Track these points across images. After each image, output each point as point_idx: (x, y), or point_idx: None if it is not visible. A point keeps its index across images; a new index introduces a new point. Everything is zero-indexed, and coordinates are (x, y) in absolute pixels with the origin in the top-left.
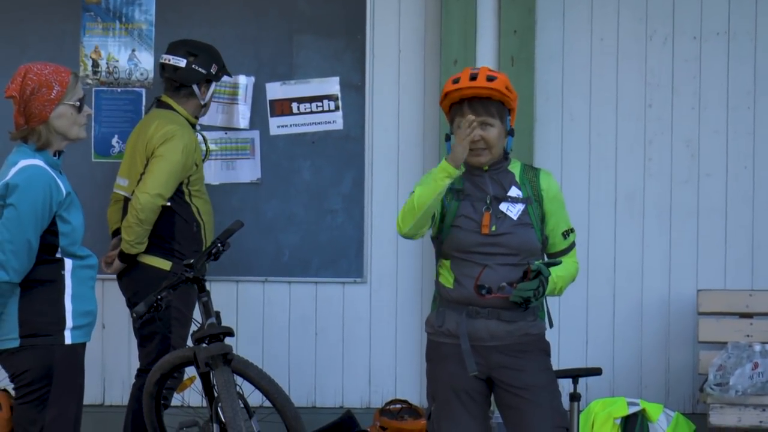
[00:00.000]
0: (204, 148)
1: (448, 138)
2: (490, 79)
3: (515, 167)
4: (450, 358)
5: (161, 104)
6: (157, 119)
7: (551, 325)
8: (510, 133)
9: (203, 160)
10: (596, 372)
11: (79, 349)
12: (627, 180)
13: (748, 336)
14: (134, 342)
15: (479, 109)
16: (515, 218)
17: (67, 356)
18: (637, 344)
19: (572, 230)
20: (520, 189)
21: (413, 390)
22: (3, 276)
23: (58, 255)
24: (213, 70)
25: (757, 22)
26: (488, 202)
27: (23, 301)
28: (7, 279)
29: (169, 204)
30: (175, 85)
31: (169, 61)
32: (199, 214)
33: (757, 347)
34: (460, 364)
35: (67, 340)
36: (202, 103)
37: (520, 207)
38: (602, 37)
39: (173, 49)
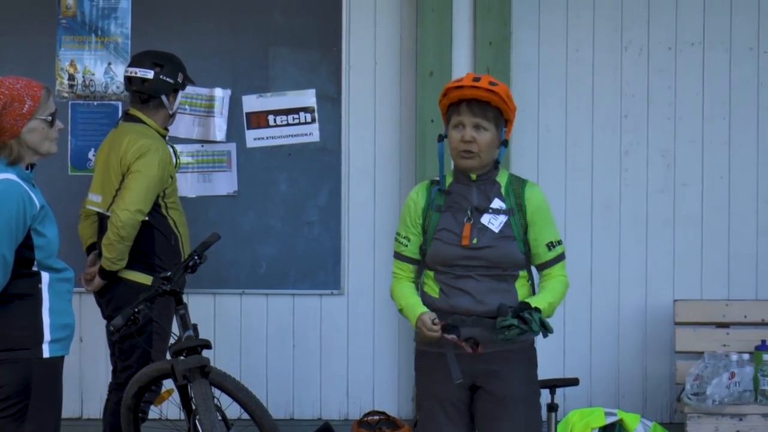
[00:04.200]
0: (175, 159)
1: (441, 139)
2: (493, 84)
3: (502, 178)
4: (435, 367)
5: (129, 117)
6: (128, 134)
7: (545, 335)
8: (503, 143)
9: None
10: (574, 382)
11: (57, 362)
12: (603, 190)
13: (724, 345)
14: None
15: (476, 111)
16: (497, 231)
17: (45, 370)
18: (615, 354)
19: (559, 242)
20: (503, 200)
21: (391, 401)
22: None
23: (35, 268)
24: (180, 79)
25: (732, 33)
26: (469, 213)
27: (0, 315)
28: None
29: (147, 218)
30: (143, 97)
31: (136, 73)
32: (176, 227)
33: (734, 357)
34: (445, 373)
35: (45, 354)
36: (170, 113)
37: (502, 219)
38: (577, 48)
39: (138, 61)
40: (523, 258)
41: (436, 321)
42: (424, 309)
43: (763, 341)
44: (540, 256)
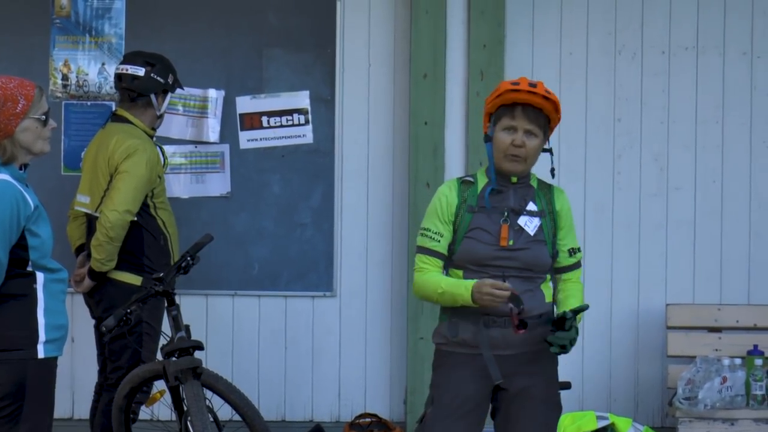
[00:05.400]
0: (162, 159)
1: (488, 139)
2: (548, 93)
3: (533, 181)
4: (461, 367)
5: (117, 118)
6: (116, 134)
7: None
8: (549, 151)
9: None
10: (566, 386)
11: (52, 363)
12: (596, 193)
13: (716, 350)
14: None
15: (531, 117)
16: (532, 234)
17: (40, 371)
18: (607, 358)
19: (579, 249)
20: (535, 203)
21: (383, 403)
22: None
23: (29, 269)
24: (170, 81)
25: (725, 37)
26: (506, 214)
27: None
28: None
29: (135, 219)
30: (132, 95)
31: (127, 70)
32: (164, 227)
33: (726, 361)
34: (472, 374)
35: (40, 354)
36: (158, 113)
37: (536, 222)
38: (571, 51)
39: (130, 59)
40: (550, 263)
41: (507, 286)
42: (474, 281)
43: (755, 346)
44: (561, 261)
